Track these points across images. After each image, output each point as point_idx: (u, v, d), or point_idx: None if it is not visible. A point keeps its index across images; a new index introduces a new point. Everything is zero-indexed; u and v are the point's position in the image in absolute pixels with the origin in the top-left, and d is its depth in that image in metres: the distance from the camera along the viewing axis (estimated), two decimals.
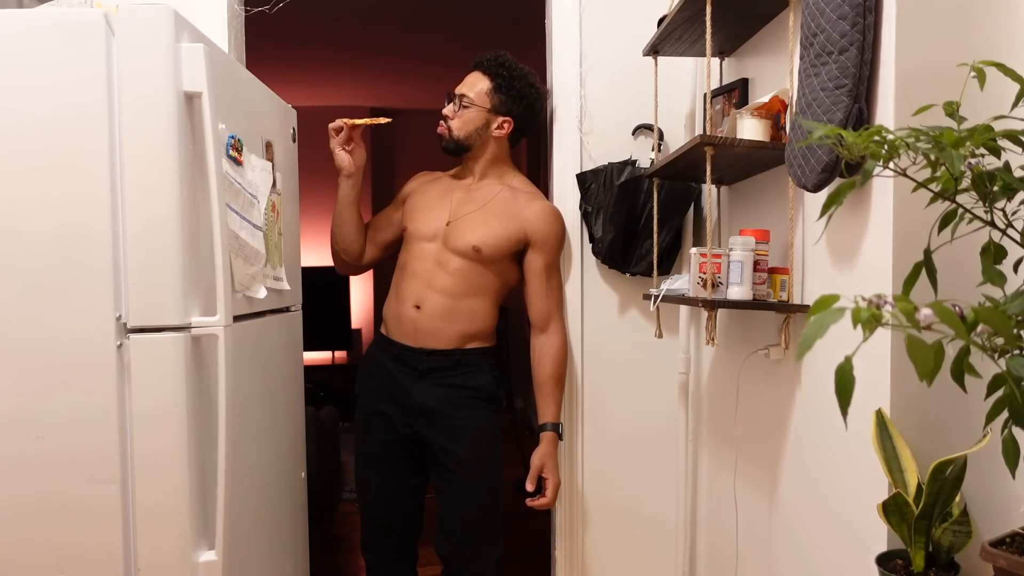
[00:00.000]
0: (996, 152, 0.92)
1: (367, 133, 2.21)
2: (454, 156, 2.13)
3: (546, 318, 2.09)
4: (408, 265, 2.10)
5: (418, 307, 2.05)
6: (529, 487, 2.04)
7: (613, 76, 2.29)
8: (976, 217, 0.96)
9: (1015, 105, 0.96)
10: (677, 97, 2.25)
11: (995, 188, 0.93)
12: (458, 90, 2.09)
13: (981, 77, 0.96)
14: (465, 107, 2.06)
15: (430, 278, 2.06)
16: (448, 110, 2.09)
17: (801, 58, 1.41)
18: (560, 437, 2.11)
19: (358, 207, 2.20)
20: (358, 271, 2.31)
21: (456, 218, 2.07)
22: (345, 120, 2.11)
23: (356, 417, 2.17)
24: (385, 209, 2.29)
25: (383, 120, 2.15)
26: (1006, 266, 1.01)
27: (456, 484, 2.03)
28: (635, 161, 2.22)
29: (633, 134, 2.29)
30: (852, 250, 1.38)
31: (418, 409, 2.04)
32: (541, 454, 2.06)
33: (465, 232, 2.04)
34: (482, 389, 2.06)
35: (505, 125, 2.07)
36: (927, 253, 0.97)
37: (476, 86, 2.07)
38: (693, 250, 1.68)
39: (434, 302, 2.04)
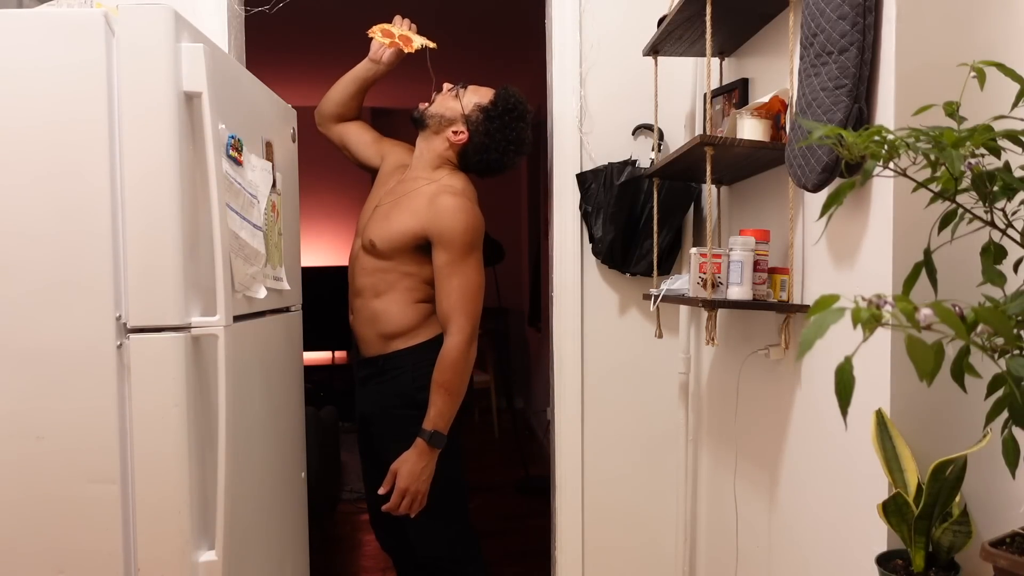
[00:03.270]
0: (996, 152, 0.92)
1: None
2: (413, 126, 2.12)
3: (445, 317, 1.96)
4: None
5: (352, 313, 2.13)
6: (381, 491, 1.96)
7: (613, 76, 2.29)
8: (976, 217, 0.96)
9: (1015, 105, 0.96)
10: (677, 97, 2.25)
11: (995, 188, 0.93)
12: (469, 84, 2.11)
13: (981, 77, 0.96)
14: (458, 98, 2.06)
15: (353, 281, 2.12)
16: (448, 89, 2.10)
17: (801, 58, 1.41)
18: (432, 447, 1.92)
19: (360, 88, 2.25)
20: (319, 128, 2.33)
21: (373, 212, 2.10)
22: (381, 34, 2.16)
23: None
24: (374, 133, 2.33)
25: (409, 44, 2.16)
26: (1006, 266, 1.01)
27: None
28: (635, 161, 2.22)
29: (633, 134, 2.30)
30: (852, 250, 1.38)
31: (361, 412, 2.13)
32: (399, 459, 1.94)
33: (369, 227, 2.06)
34: (402, 395, 2.01)
35: (460, 135, 2.05)
36: (927, 253, 0.97)
37: (479, 94, 2.07)
38: (693, 250, 1.68)
39: (358, 307, 2.10)
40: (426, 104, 2.10)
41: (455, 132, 2.05)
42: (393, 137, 2.31)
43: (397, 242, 1.99)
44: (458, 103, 2.05)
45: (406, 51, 2.16)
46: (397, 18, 2.20)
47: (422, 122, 2.09)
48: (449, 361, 1.93)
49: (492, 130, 2.04)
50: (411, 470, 1.92)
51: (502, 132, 2.04)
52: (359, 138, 2.29)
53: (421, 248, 1.99)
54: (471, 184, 2.09)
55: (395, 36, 2.16)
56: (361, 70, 2.23)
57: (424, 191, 2.02)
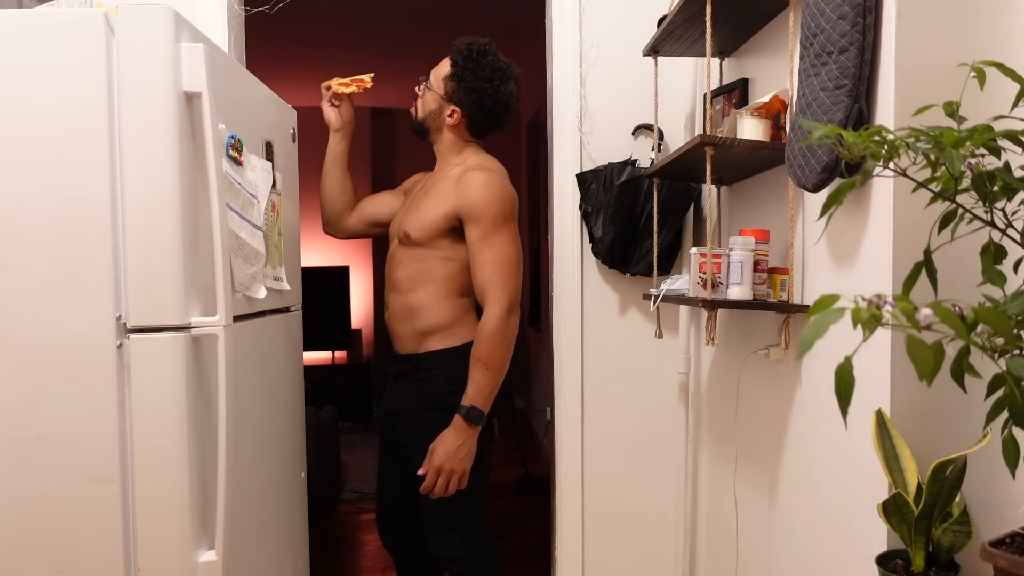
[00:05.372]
0: (996, 152, 0.92)
1: (358, 100, 2.33)
2: (419, 137, 2.12)
3: (481, 292, 1.92)
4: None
5: (387, 309, 2.11)
6: (420, 472, 1.90)
7: (613, 76, 2.29)
8: (976, 217, 0.96)
9: (1015, 105, 0.96)
10: (677, 97, 2.25)
11: (995, 188, 0.93)
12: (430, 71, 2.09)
13: (981, 77, 0.96)
14: (428, 89, 2.05)
15: (388, 278, 2.10)
16: (418, 89, 2.09)
17: (801, 58, 1.41)
18: (469, 424, 1.88)
19: (345, 165, 2.24)
20: (338, 235, 2.31)
21: (407, 205, 2.09)
22: (330, 82, 2.22)
23: None
24: (387, 190, 2.32)
25: (365, 81, 2.22)
26: (1006, 266, 1.01)
27: (416, 483, 2.03)
28: (635, 161, 2.22)
29: (633, 134, 2.30)
30: (852, 250, 1.38)
31: (390, 408, 2.10)
32: (437, 438, 1.89)
33: (402, 220, 2.05)
34: (432, 397, 1.97)
35: (455, 114, 2.01)
36: (927, 253, 0.97)
37: (439, 70, 2.04)
38: (693, 250, 1.68)
39: (393, 302, 2.07)
40: (413, 109, 2.11)
41: (450, 116, 2.03)
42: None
43: (430, 227, 1.96)
44: (431, 92, 2.04)
45: (367, 86, 2.23)
46: (325, 84, 2.24)
47: (423, 130, 2.09)
48: (487, 333, 1.88)
49: (472, 85, 1.99)
50: (447, 448, 1.87)
51: (480, 78, 1.99)
52: (380, 201, 2.27)
53: (456, 231, 1.96)
54: (498, 162, 2.06)
55: (349, 82, 2.22)
56: (334, 146, 2.23)
57: (451, 175, 2.01)
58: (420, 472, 1.91)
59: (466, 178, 1.95)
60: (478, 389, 1.89)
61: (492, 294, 1.90)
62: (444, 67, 2.03)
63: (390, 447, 2.16)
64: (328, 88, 2.21)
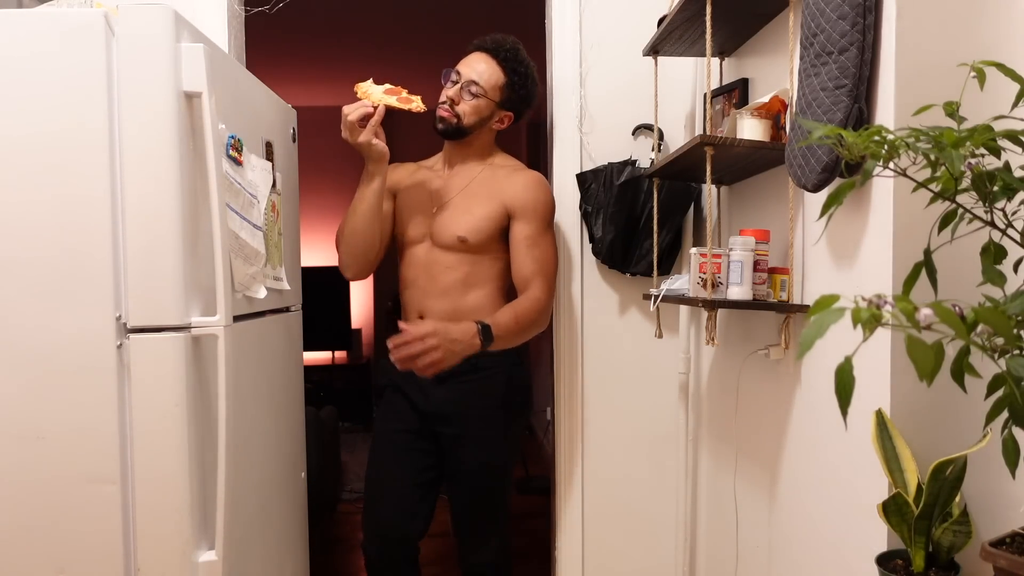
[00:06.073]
0: (996, 152, 0.92)
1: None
2: (451, 139, 2.04)
3: (525, 283, 1.95)
4: (404, 275, 2.08)
5: (421, 317, 2.02)
6: (408, 328, 1.78)
7: (613, 76, 2.29)
8: (976, 217, 0.96)
9: (1015, 105, 0.96)
10: (677, 97, 2.25)
11: (995, 188, 0.93)
12: (467, 74, 1.98)
13: (981, 77, 0.96)
14: (476, 96, 1.97)
15: (425, 284, 2.02)
16: (454, 92, 1.98)
17: (801, 58, 1.41)
18: (479, 335, 1.82)
19: (381, 208, 2.02)
20: (369, 273, 2.15)
21: (439, 211, 2.02)
22: (374, 103, 1.88)
23: (380, 406, 2.16)
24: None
25: (414, 101, 1.95)
26: (1006, 266, 1.01)
27: (463, 485, 2.03)
28: (635, 161, 2.22)
29: (633, 134, 2.30)
30: (852, 250, 1.38)
31: (436, 410, 2.01)
32: (445, 326, 1.81)
33: (448, 224, 1.98)
34: (494, 395, 1.97)
35: (506, 120, 2.05)
36: (927, 253, 0.97)
37: (489, 76, 1.98)
38: (693, 250, 1.68)
39: (435, 309, 1.99)
40: (448, 113, 1.97)
41: (499, 121, 2.05)
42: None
43: (487, 229, 1.97)
44: (485, 99, 1.98)
45: (409, 108, 1.93)
46: (363, 110, 1.89)
47: (465, 133, 2.00)
48: (527, 303, 1.93)
49: (532, 91, 2.06)
50: (449, 333, 1.79)
51: (533, 83, 2.06)
52: (389, 223, 2.12)
53: (504, 230, 2.00)
54: None
55: (402, 90, 1.95)
56: (380, 179, 1.95)
57: (488, 175, 2.03)
58: (408, 328, 1.78)
59: (519, 177, 2.00)
60: (501, 325, 1.89)
61: (537, 283, 1.96)
62: (497, 75, 1.99)
63: (413, 443, 2.03)
64: (361, 122, 1.86)
